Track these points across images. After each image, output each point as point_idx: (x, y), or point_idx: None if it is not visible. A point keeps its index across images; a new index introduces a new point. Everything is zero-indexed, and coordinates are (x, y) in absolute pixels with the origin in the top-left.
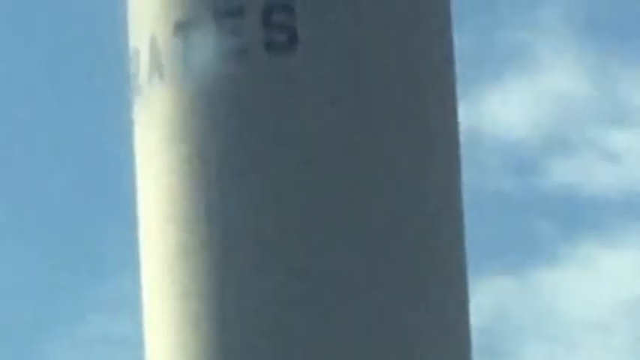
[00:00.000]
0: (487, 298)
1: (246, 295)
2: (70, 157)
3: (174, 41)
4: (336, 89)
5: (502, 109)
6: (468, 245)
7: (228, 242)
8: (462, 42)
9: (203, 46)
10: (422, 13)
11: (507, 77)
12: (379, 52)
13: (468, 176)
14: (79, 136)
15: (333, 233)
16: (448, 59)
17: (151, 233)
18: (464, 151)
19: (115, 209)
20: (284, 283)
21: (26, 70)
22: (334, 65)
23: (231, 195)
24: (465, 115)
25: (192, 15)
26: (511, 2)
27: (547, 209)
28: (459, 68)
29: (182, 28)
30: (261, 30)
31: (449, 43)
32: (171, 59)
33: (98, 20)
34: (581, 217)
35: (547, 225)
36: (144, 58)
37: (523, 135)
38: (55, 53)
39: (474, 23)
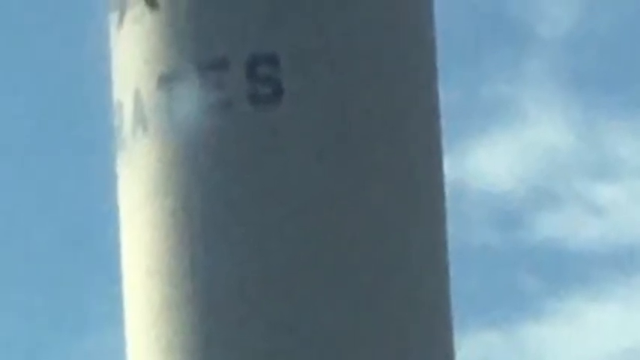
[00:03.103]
0: (473, 352)
1: (231, 349)
2: (54, 212)
3: (158, 94)
4: (321, 142)
5: (488, 162)
6: (453, 299)
7: (213, 296)
8: (448, 95)
9: (187, 98)
10: (408, 67)
11: (493, 130)
12: (364, 104)
13: (454, 230)
14: (62, 190)
15: (318, 287)
16: (434, 113)
17: (135, 287)
18: (449, 204)
19: (99, 263)
20: (269, 338)
21: (11, 123)
22: (319, 118)
23: (215, 249)
24: (451, 168)
25: (176, 68)
26: (496, 56)
27: (533, 263)
28: (444, 121)
29: (166, 81)
30: (245, 82)
31: (435, 96)
32: (155, 112)
33: (82, 74)
34: (567, 271)
35: (533, 278)
36: (128, 111)
37: (509, 188)
38: (39, 107)
39: (460, 77)
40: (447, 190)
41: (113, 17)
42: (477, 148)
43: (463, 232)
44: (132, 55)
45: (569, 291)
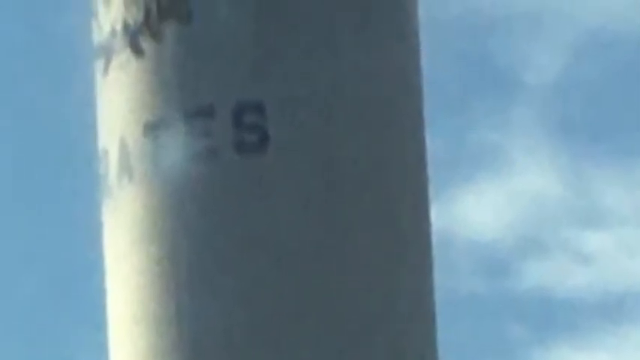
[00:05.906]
0: None
1: None
2: (39, 260)
3: (144, 142)
4: (307, 190)
5: (475, 210)
6: (440, 348)
7: (199, 344)
8: (435, 143)
9: (173, 146)
10: (395, 115)
11: (480, 178)
12: (351, 153)
13: (440, 279)
14: (47, 238)
15: (304, 336)
16: (421, 161)
17: (120, 335)
18: (436, 253)
19: (84, 312)
20: None
21: None
22: (306, 166)
23: (201, 296)
24: (438, 216)
25: (162, 115)
26: (484, 103)
27: (520, 311)
28: (431, 170)
29: (152, 128)
30: (231, 130)
31: (421, 144)
32: (140, 160)
33: (68, 121)
34: (555, 320)
35: (520, 328)
36: (113, 158)
37: (496, 237)
38: (24, 155)
39: (447, 124)
40: (434, 239)
41: (99, 65)
42: (463, 196)
43: (450, 281)
44: (117, 102)
45: (557, 340)
